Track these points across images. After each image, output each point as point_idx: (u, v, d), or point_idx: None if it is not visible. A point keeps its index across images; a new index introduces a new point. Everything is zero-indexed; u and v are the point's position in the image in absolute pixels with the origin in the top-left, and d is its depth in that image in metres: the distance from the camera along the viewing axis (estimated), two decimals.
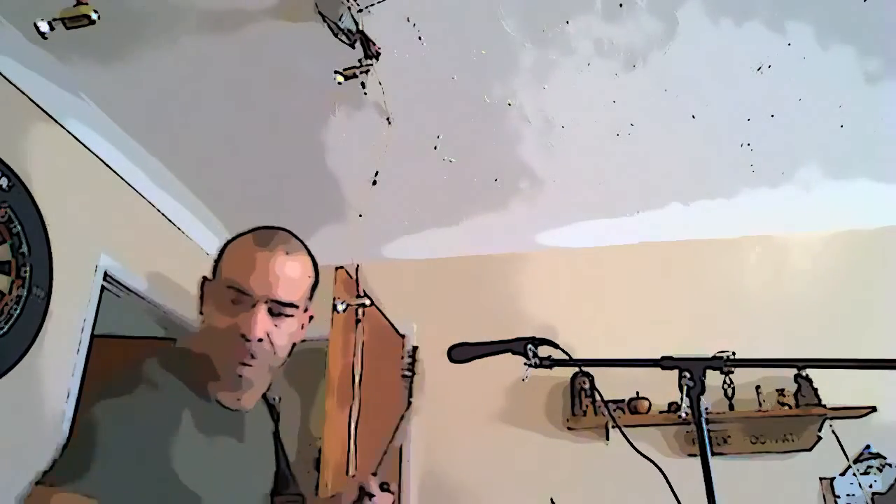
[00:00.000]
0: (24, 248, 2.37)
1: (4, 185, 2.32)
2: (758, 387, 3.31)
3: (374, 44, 2.33)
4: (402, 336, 3.59)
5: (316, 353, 4.01)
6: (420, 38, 2.36)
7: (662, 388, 3.16)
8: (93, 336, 2.70)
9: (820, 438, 3.18)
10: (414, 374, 1.71)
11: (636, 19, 2.29)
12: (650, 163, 3.12)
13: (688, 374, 1.02)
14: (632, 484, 2.87)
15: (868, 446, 3.16)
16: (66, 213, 2.57)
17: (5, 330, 2.26)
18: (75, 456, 0.88)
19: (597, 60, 2.48)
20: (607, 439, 3.33)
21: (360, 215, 3.39)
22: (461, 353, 1.23)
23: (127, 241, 2.97)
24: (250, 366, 1.05)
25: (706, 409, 1.02)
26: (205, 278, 1.11)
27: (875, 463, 3.14)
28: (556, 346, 1.19)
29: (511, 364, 1.28)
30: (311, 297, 1.16)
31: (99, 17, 2.05)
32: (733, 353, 1.03)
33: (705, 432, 1.00)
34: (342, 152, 3.02)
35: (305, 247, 1.16)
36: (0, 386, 2.21)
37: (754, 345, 3.12)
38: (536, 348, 1.17)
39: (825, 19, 2.29)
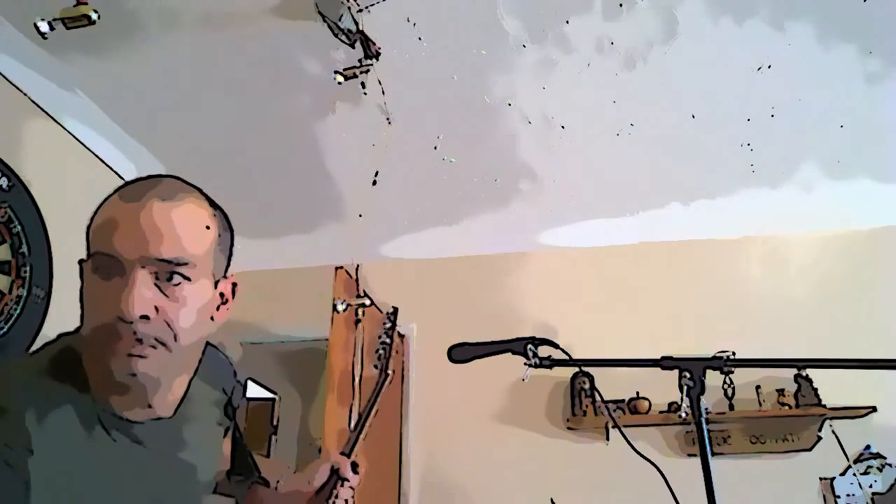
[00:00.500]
0: (24, 248, 2.37)
1: (4, 185, 2.32)
2: (758, 387, 3.31)
3: (374, 44, 2.33)
4: (402, 336, 3.59)
5: (316, 353, 4.02)
6: (420, 38, 2.36)
7: (662, 388, 3.16)
8: None
9: (820, 438, 3.18)
10: (392, 341, 1.62)
11: (636, 19, 2.29)
12: (650, 163, 3.12)
13: (688, 374, 1.02)
14: (632, 484, 2.87)
15: (868, 446, 3.16)
16: (66, 213, 2.57)
17: (5, 330, 2.26)
18: None
19: (597, 60, 2.48)
20: (607, 439, 3.33)
21: (360, 215, 3.39)
22: (461, 353, 1.23)
23: None
24: (143, 356, 0.78)
25: (706, 409, 1.02)
26: (81, 260, 0.84)
27: (875, 463, 3.14)
28: (556, 346, 1.19)
29: (511, 364, 1.28)
30: (228, 259, 0.91)
31: (99, 17, 2.05)
32: (733, 353, 1.03)
33: (705, 432, 1.00)
34: (342, 152, 3.02)
35: (203, 194, 0.89)
36: None
37: (754, 345, 3.11)
38: (536, 348, 1.18)
39: (825, 19, 2.29)
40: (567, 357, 1.18)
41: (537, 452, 3.40)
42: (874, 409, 3.15)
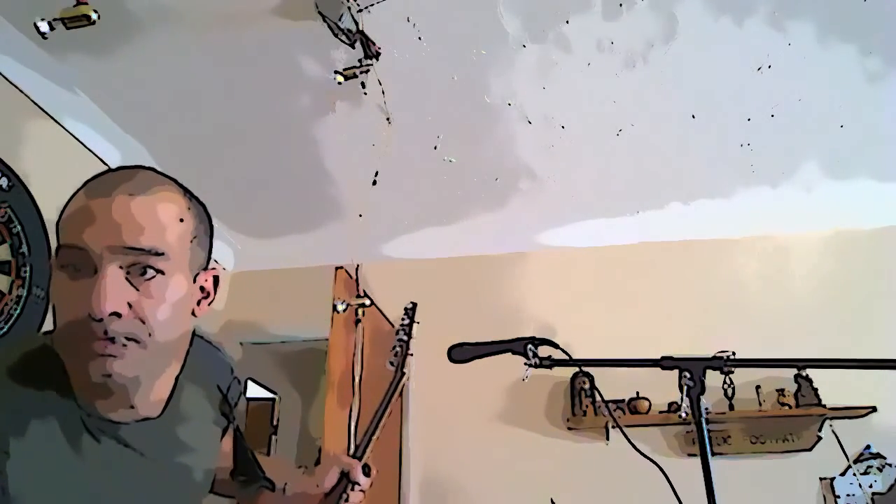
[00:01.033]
0: (24, 248, 2.37)
1: (4, 185, 2.32)
2: (758, 387, 3.31)
3: (374, 44, 2.33)
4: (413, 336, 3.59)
5: (316, 353, 4.02)
6: (420, 38, 2.36)
7: (662, 388, 3.16)
8: None
9: (820, 438, 3.18)
10: (410, 338, 1.54)
11: (636, 19, 2.29)
12: (650, 163, 3.12)
13: (688, 374, 1.02)
14: (632, 484, 2.87)
15: (868, 446, 3.16)
16: None
17: (5, 330, 2.26)
18: None
19: (597, 60, 2.47)
20: (607, 439, 3.33)
21: (360, 215, 3.39)
22: (461, 353, 1.23)
23: None
24: (116, 356, 0.73)
25: (706, 409, 1.02)
26: (51, 257, 0.80)
27: (875, 463, 3.14)
28: (556, 346, 1.19)
29: (511, 364, 1.28)
30: (208, 252, 0.87)
31: (99, 17, 2.05)
32: (733, 353, 1.03)
33: (705, 432, 1.00)
34: (342, 152, 3.02)
35: (180, 185, 0.85)
36: None
37: (754, 345, 3.12)
38: (536, 348, 1.18)
39: (825, 19, 2.29)
40: (567, 357, 1.18)
41: (537, 452, 3.40)
42: (874, 409, 3.15)
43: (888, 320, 3.35)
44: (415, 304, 1.61)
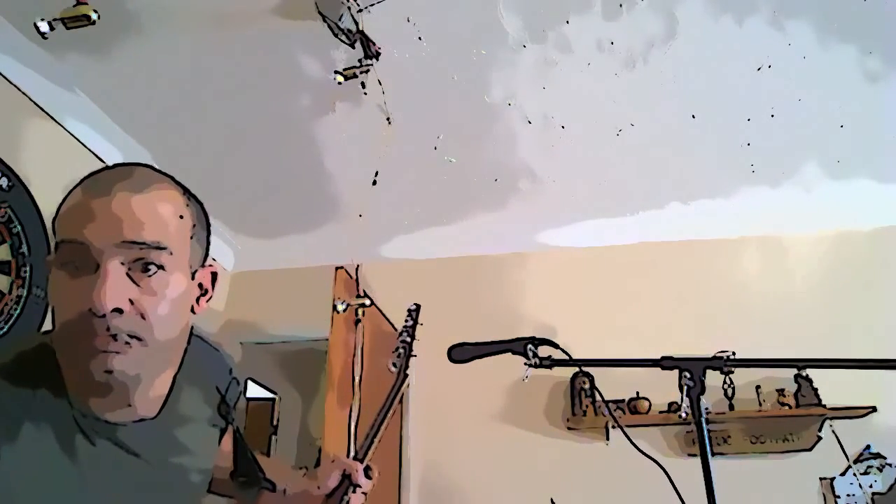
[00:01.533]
0: (24, 248, 2.37)
1: (4, 185, 2.32)
2: (758, 387, 3.31)
3: (374, 44, 2.33)
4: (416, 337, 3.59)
5: (316, 353, 4.01)
6: (420, 38, 2.36)
7: (662, 388, 3.16)
8: None
9: (820, 438, 3.18)
10: (413, 339, 1.53)
11: (636, 19, 2.29)
12: (650, 163, 3.12)
13: (688, 374, 1.02)
14: (632, 484, 2.87)
15: (868, 446, 3.16)
16: None
17: (5, 330, 2.26)
18: None
19: (597, 60, 2.48)
20: (607, 439, 3.33)
21: (360, 215, 3.39)
22: (461, 353, 1.23)
23: None
24: (119, 353, 0.73)
25: (706, 409, 1.02)
26: (49, 256, 0.79)
27: (875, 463, 3.14)
28: (556, 346, 1.19)
29: (511, 364, 1.28)
30: (206, 249, 0.86)
31: (99, 17, 2.05)
32: (733, 353, 1.03)
33: (705, 432, 1.00)
34: (342, 152, 3.02)
35: (178, 183, 0.84)
36: None
37: (754, 345, 3.11)
38: (536, 348, 1.18)
39: (825, 19, 2.29)
40: (567, 357, 1.18)
41: (537, 452, 3.40)
42: (874, 409, 3.15)
43: (888, 320, 3.35)
44: (418, 306, 1.60)
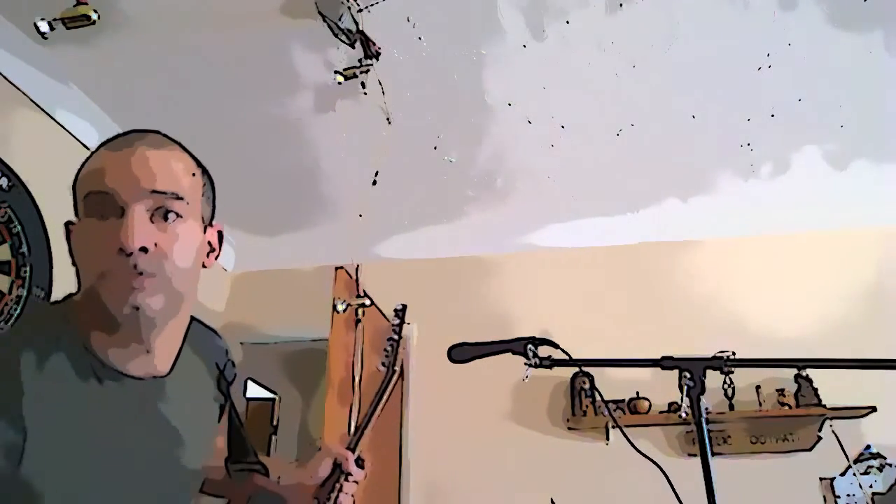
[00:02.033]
0: (24, 248, 2.37)
1: (4, 185, 2.32)
2: (758, 387, 3.31)
3: (374, 44, 2.33)
4: (403, 336, 3.59)
5: (316, 353, 4.01)
6: (420, 38, 2.36)
7: (662, 388, 3.16)
8: None
9: (820, 438, 3.18)
10: (400, 338, 1.59)
11: (636, 19, 2.29)
12: (650, 163, 3.12)
13: (688, 374, 1.02)
14: (632, 484, 2.87)
15: (868, 446, 3.16)
16: (66, 212, 2.56)
17: (5, 330, 2.26)
18: None
19: (597, 60, 2.47)
20: (607, 439, 3.33)
21: (360, 215, 3.39)
22: (461, 353, 1.23)
23: None
24: (144, 289, 0.79)
25: (706, 409, 1.02)
26: (69, 223, 0.89)
27: (875, 463, 3.14)
28: (556, 346, 1.19)
29: (511, 364, 1.28)
30: (212, 208, 0.94)
31: (99, 17, 2.05)
32: (733, 353, 1.03)
33: (705, 432, 1.00)
34: (342, 152, 3.02)
35: (185, 150, 0.94)
36: None
37: (754, 345, 3.12)
38: (536, 348, 1.18)
39: (826, 18, 2.29)
40: (567, 357, 1.18)
41: (537, 452, 3.40)
42: (874, 409, 3.15)
43: (888, 320, 3.35)
44: (404, 306, 1.64)
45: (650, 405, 3.31)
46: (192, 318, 0.96)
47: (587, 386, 3.36)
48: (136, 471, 0.85)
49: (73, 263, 0.85)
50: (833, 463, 3.13)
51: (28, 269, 2.38)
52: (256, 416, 4.58)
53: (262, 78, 2.56)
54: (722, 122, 2.83)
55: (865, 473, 3.12)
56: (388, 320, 3.36)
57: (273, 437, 4.69)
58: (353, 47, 2.32)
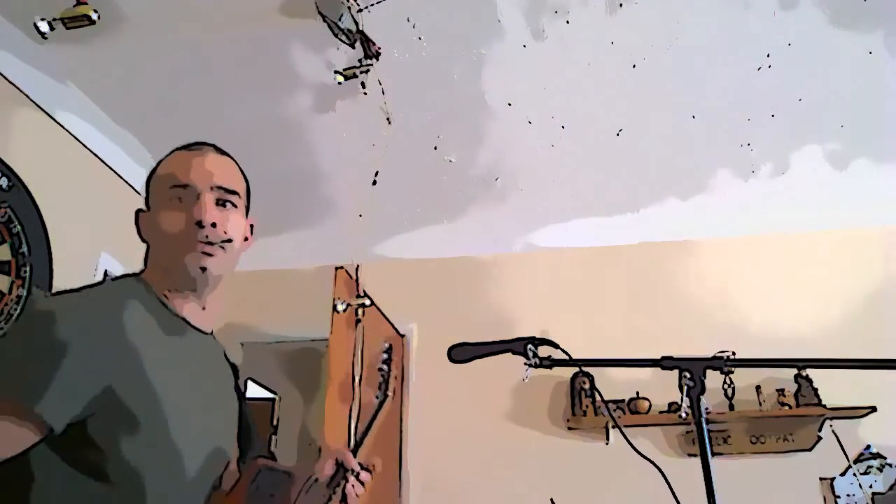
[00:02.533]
0: (24, 248, 2.37)
1: (4, 185, 2.32)
2: (758, 387, 3.30)
3: (374, 44, 2.33)
4: (402, 336, 3.59)
5: (316, 353, 4.01)
6: (420, 38, 2.36)
7: (662, 388, 3.16)
8: None
9: (820, 438, 3.18)
10: (390, 371, 1.68)
11: (636, 19, 2.29)
12: (650, 163, 3.12)
13: (688, 374, 1.02)
14: (632, 484, 2.87)
15: (868, 446, 3.16)
16: (66, 212, 2.56)
17: (5, 330, 2.26)
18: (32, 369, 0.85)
19: (597, 60, 2.48)
20: (607, 439, 3.33)
21: (360, 215, 3.39)
22: (461, 353, 1.23)
23: (127, 240, 2.95)
24: (212, 255, 1.02)
25: (706, 409, 1.02)
26: (139, 210, 1.10)
27: (875, 463, 3.14)
28: (556, 346, 1.19)
29: (511, 364, 1.27)
30: (247, 208, 1.16)
31: (99, 17, 2.05)
32: (733, 353, 1.03)
33: (705, 432, 1.00)
34: (342, 152, 3.02)
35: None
36: None
37: (754, 345, 3.12)
38: (536, 348, 1.17)
39: (826, 18, 2.29)
40: (567, 357, 1.18)
41: (537, 452, 3.40)
42: (874, 409, 3.15)
43: (889, 320, 3.35)
44: (391, 346, 1.73)
45: (650, 405, 3.31)
46: None
47: (587, 386, 3.36)
48: (202, 402, 1.05)
49: (143, 240, 1.08)
50: (833, 463, 3.13)
51: (28, 269, 2.38)
52: (256, 416, 4.56)
53: (261, 78, 2.56)
54: (722, 123, 2.83)
55: (865, 473, 3.12)
56: (388, 320, 3.37)
57: (273, 437, 4.68)
58: (353, 47, 2.32)
